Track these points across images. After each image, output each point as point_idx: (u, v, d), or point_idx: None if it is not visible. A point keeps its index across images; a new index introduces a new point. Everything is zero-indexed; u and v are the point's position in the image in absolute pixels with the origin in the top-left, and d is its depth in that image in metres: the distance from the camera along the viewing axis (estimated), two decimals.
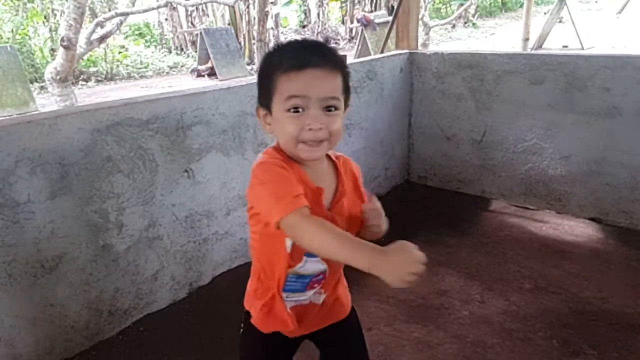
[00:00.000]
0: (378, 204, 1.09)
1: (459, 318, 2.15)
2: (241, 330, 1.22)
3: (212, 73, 10.56)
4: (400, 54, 3.43)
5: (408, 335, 2.04)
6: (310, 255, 1.06)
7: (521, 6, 15.58)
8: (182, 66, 12.54)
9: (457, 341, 2.00)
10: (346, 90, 1.03)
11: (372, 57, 3.76)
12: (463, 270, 2.52)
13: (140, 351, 2.01)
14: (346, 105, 1.04)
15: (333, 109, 0.98)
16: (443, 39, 15.73)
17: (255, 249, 1.13)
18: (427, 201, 3.42)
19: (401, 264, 0.84)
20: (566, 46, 10.37)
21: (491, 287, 2.37)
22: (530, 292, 2.31)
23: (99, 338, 2.06)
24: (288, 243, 1.05)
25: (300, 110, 0.96)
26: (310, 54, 0.97)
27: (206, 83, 9.79)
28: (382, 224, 1.08)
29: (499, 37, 15.10)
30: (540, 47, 10.45)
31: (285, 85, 0.96)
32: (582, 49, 9.63)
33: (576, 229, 2.90)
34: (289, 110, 0.97)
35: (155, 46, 14.18)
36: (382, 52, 3.98)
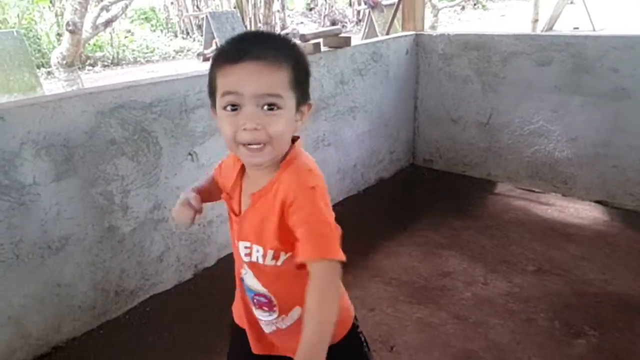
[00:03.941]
0: None
1: (462, 299, 2.16)
2: None
3: None
4: (406, 36, 3.39)
5: (410, 316, 2.06)
6: (252, 266, 1.00)
7: None
8: (188, 50, 12.48)
9: (459, 322, 2.02)
10: (298, 85, 0.91)
11: (377, 38, 3.71)
12: (467, 252, 2.53)
13: (147, 330, 2.05)
14: (302, 102, 0.93)
15: (275, 107, 0.87)
16: (452, 21, 15.50)
17: None
18: (432, 184, 3.41)
19: None
20: (577, 28, 10.18)
21: (495, 269, 2.37)
22: (533, 274, 2.31)
23: (106, 318, 2.10)
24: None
25: (237, 108, 0.87)
26: (249, 45, 0.88)
27: None
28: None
29: (509, 19, 14.84)
30: (550, 29, 10.27)
31: (221, 80, 0.88)
32: (594, 30, 9.45)
33: (582, 212, 2.88)
34: (225, 108, 0.88)
35: (161, 30, 14.09)
36: (387, 33, 3.94)
